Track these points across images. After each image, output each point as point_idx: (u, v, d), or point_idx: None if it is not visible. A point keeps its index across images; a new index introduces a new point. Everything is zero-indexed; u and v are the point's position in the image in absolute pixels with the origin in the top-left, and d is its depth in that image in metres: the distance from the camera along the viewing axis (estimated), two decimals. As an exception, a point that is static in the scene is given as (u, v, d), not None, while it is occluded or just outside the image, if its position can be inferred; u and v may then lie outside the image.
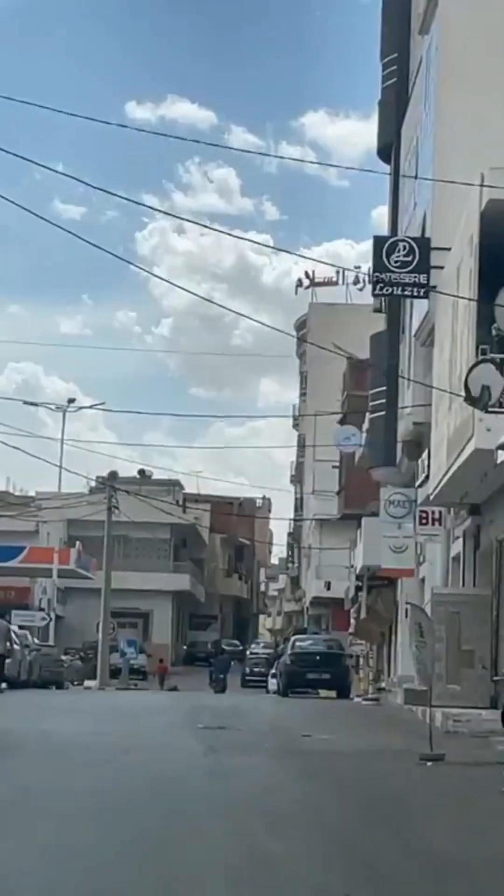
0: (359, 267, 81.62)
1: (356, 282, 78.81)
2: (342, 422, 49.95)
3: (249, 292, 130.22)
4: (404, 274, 27.78)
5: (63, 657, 50.69)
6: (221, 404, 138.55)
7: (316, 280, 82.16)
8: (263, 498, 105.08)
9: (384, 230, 40.07)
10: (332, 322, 72.79)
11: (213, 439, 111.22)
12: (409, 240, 28.76)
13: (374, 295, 32.01)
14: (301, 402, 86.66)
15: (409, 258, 27.85)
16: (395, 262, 27.72)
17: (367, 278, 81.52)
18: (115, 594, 63.92)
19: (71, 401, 55.16)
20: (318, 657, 38.21)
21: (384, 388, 38.12)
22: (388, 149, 39.82)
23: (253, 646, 73.63)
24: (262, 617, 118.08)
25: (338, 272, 79.81)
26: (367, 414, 41.34)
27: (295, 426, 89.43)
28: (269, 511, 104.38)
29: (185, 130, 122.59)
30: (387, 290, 28.93)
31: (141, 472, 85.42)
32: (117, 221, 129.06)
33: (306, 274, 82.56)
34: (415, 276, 27.83)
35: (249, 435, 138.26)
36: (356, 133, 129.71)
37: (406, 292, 28.66)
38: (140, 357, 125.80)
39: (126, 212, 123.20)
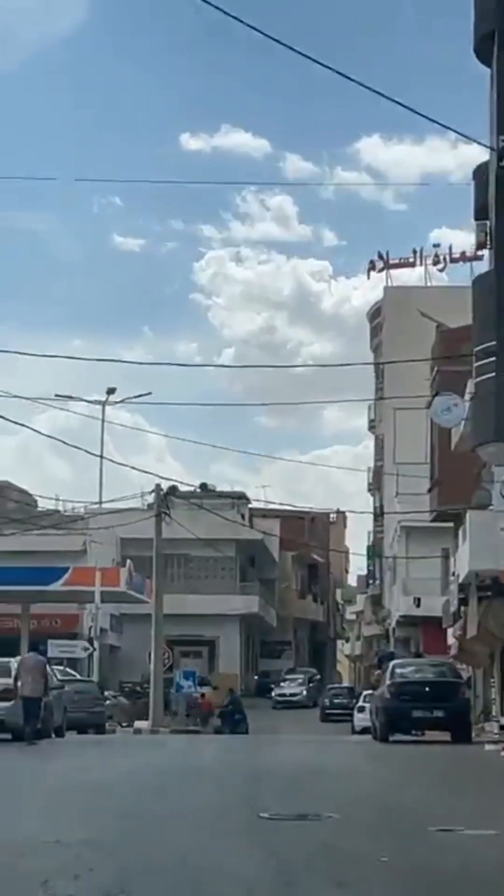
0: (437, 245, 73.47)
1: (436, 262, 70.56)
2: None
3: (310, 319, 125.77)
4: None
5: (105, 694, 42.15)
6: (286, 433, 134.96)
7: (390, 262, 73.68)
8: (338, 511, 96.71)
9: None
10: (409, 306, 64.59)
11: (279, 469, 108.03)
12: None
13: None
14: (376, 404, 78.09)
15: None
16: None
17: (446, 257, 73.48)
18: (176, 620, 57.67)
19: (111, 391, 47.34)
20: (427, 688, 28.71)
21: (493, 342, 29.73)
22: (488, 43, 31.49)
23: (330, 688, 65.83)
24: (339, 642, 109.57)
25: (414, 252, 71.51)
26: (471, 381, 32.85)
27: (371, 428, 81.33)
28: (344, 527, 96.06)
29: (240, 160, 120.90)
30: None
31: (203, 485, 78.43)
32: (176, 252, 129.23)
33: (379, 255, 74.05)
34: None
35: (316, 461, 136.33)
36: (410, 156, 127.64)
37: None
38: (205, 386, 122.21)
39: (184, 242, 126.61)
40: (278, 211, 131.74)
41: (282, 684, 68.74)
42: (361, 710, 42.67)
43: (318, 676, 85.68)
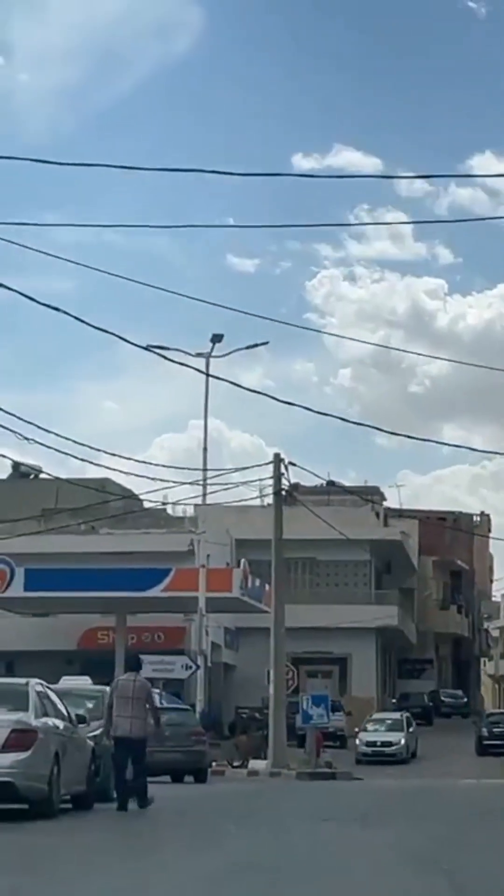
0: None
1: None
2: None
3: (426, 337, 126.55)
4: None
5: (201, 730, 32.01)
6: (404, 453, 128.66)
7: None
8: (482, 514, 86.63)
9: None
10: None
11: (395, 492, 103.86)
12: None
13: None
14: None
15: None
16: None
17: None
18: (302, 634, 51.01)
19: (217, 338, 38.00)
20: None
21: None
22: None
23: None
24: (482, 661, 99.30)
25: None
26: None
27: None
28: (489, 531, 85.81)
29: (353, 179, 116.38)
30: None
31: (330, 482, 69.21)
32: (290, 272, 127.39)
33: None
34: None
35: (434, 483, 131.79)
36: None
37: None
38: (321, 407, 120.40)
39: (297, 261, 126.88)
40: (393, 228, 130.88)
41: (368, 727, 48.66)
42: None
43: (465, 700, 76.39)
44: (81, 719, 17.99)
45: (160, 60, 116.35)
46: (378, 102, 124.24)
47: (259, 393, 23.53)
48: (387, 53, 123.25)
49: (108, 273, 19.29)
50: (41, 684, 17.05)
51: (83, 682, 22.26)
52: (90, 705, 20.21)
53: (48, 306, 18.98)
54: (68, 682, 22.08)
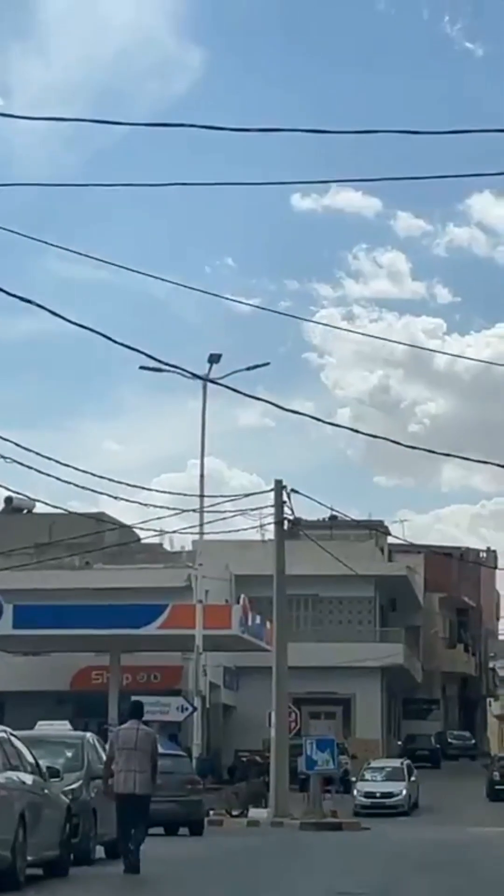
0: None
1: None
2: None
3: (425, 377, 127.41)
4: None
5: (196, 777, 29.84)
6: (404, 492, 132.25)
7: None
8: (488, 550, 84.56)
9: None
10: None
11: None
12: None
13: None
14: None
15: None
16: None
17: None
18: (304, 673, 48.76)
19: (215, 358, 35.95)
20: None
21: None
22: None
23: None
24: (489, 701, 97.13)
25: None
26: None
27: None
28: (495, 566, 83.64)
29: (351, 218, 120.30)
30: None
31: (333, 517, 67.32)
32: (289, 312, 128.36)
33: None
34: None
35: (434, 522, 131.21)
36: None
37: None
38: (321, 446, 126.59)
39: (297, 301, 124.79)
40: (391, 268, 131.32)
41: (366, 776, 44.26)
42: None
43: (473, 742, 74.31)
44: (54, 773, 15.78)
45: (159, 100, 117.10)
46: (377, 144, 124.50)
47: (261, 400, 21.29)
48: (383, 97, 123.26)
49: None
50: (5, 731, 14.87)
51: (61, 726, 20.09)
52: (69, 754, 18.11)
53: (81, 326, 17.02)
54: (44, 727, 19.92)
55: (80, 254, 18.76)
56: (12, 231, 16.54)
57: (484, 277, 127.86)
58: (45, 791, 15.23)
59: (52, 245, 18.94)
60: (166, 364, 20.40)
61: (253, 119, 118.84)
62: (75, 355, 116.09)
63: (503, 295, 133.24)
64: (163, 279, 22.51)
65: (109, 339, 17.15)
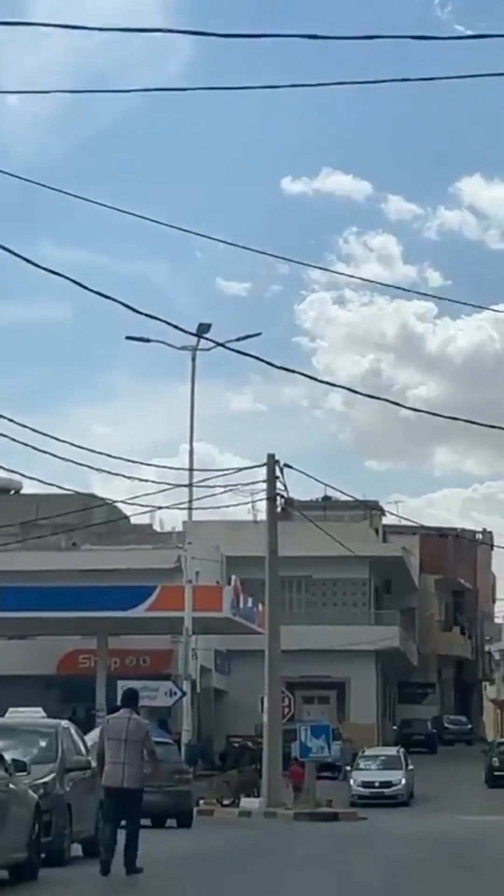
0: None
1: None
2: None
3: (416, 361, 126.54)
4: None
5: (185, 766, 28.47)
6: (396, 476, 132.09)
7: None
8: (483, 531, 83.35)
9: None
10: None
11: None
12: None
13: None
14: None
15: None
16: None
17: None
18: (298, 657, 48.06)
19: (204, 328, 34.30)
20: None
21: None
22: None
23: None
24: (484, 685, 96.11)
25: None
26: None
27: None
28: (491, 548, 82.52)
29: (342, 202, 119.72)
30: None
31: (326, 497, 66.20)
32: (281, 295, 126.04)
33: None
34: None
35: (426, 506, 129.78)
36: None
37: None
38: (312, 430, 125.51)
39: (288, 285, 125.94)
40: (382, 251, 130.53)
41: (361, 765, 42.60)
42: None
43: (470, 726, 73.28)
44: (20, 766, 14.31)
45: (150, 86, 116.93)
46: (367, 126, 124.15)
47: (254, 356, 20.07)
48: (372, 74, 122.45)
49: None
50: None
51: (34, 713, 18.62)
52: (43, 744, 16.65)
53: (102, 295, 16.40)
54: (16, 714, 18.46)
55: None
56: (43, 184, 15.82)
57: (475, 260, 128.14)
58: (10, 787, 13.78)
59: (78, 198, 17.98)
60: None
61: (240, 102, 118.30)
62: (65, 340, 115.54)
63: (494, 278, 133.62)
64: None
65: (128, 306, 16.60)
